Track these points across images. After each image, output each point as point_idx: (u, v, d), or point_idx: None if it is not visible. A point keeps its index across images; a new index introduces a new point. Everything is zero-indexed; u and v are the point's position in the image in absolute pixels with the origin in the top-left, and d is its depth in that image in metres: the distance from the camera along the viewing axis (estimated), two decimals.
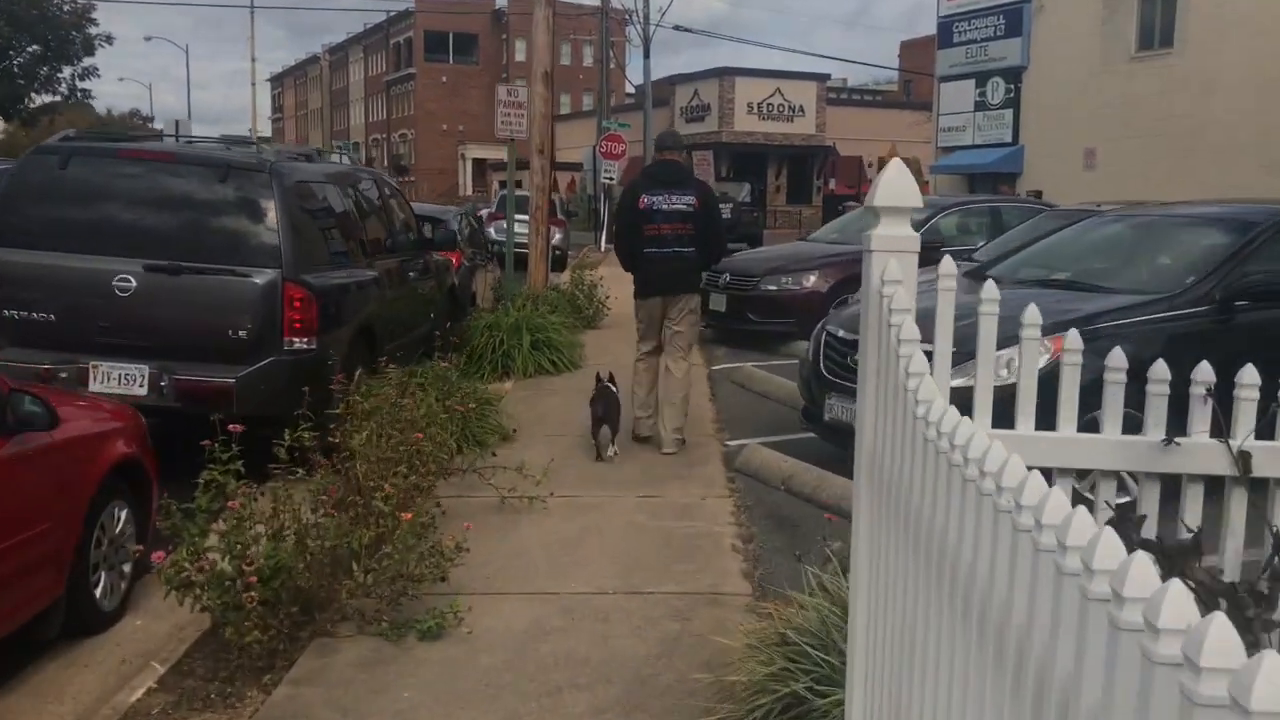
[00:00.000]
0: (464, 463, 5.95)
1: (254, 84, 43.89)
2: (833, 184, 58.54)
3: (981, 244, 11.37)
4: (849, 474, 6.06)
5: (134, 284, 6.34)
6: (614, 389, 7.09)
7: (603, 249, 31.71)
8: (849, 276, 11.17)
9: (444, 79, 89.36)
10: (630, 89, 72.69)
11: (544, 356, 10.09)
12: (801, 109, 57.54)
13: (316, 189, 7.34)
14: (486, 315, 10.45)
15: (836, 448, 6.59)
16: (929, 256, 9.95)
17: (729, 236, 31.39)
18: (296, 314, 6.44)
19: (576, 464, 6.81)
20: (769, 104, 56.67)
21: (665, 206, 6.85)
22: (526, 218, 23.73)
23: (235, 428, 4.30)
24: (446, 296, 10.52)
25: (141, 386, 6.33)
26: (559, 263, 25.27)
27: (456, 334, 10.59)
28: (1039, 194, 34.37)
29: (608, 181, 31.64)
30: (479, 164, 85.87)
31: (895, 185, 2.64)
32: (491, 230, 25.67)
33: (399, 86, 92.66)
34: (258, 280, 6.41)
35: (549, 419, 8.22)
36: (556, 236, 25.08)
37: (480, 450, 6.70)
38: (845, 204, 58.15)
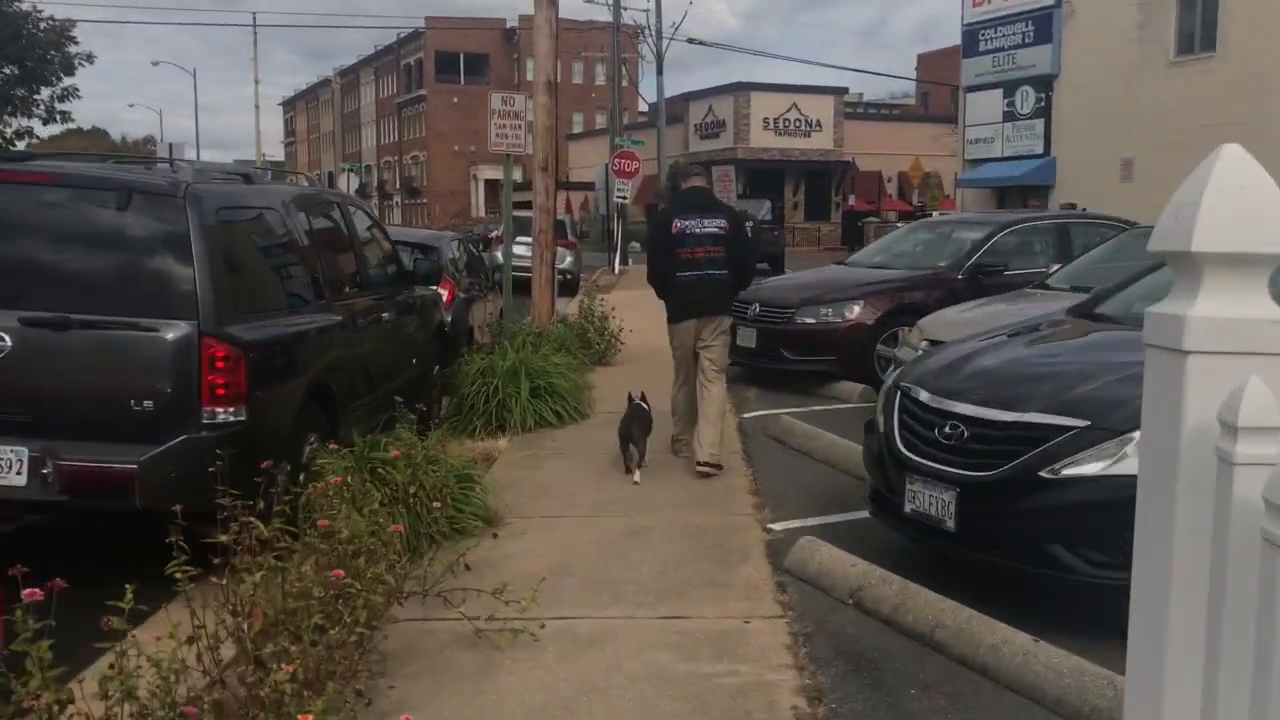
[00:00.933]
0: (425, 580, 4.48)
1: (258, 105, 42.90)
2: (852, 200, 57.10)
3: (1053, 268, 9.89)
4: (937, 582, 4.65)
5: (8, 343, 4.93)
6: (646, 407, 7.19)
7: (616, 271, 30.31)
8: (898, 307, 9.71)
9: (455, 99, 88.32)
10: (644, 107, 71.66)
11: (546, 406, 8.64)
12: (819, 124, 56.21)
13: (253, 217, 5.91)
14: (478, 360, 9.00)
15: (915, 543, 5.11)
16: (987, 281, 8.06)
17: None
18: (219, 377, 5.01)
19: (581, 562, 5.35)
20: (785, 119, 55.39)
21: (697, 230, 7.01)
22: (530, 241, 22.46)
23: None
24: (434, 337, 9.10)
25: (19, 475, 4.90)
26: (569, 287, 23.90)
27: (445, 380, 9.17)
28: (1073, 206, 32.85)
29: (621, 200, 30.26)
30: (491, 185, 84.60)
31: (1244, 207, 1.17)
32: (499, 254, 24.33)
33: (410, 108, 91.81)
34: (167, 335, 4.98)
35: (549, 492, 6.75)
36: (567, 260, 23.73)
37: (458, 541, 5.25)
38: (865, 220, 56.93)
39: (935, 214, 47.49)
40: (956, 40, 37.71)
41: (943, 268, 10.11)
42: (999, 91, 33.83)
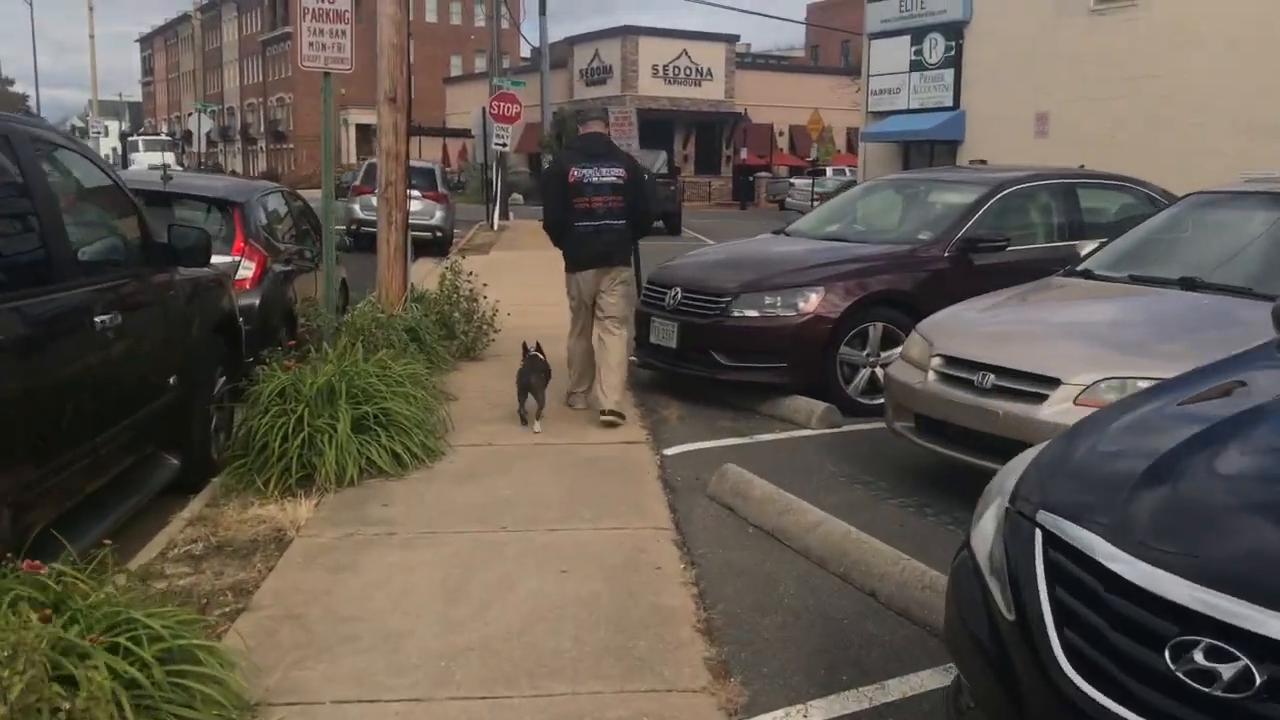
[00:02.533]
0: None
1: (92, 35, 37.90)
2: (744, 154, 54.83)
3: (1063, 242, 7.48)
4: None
5: None
6: (542, 357, 6.98)
7: (495, 226, 27.28)
8: (868, 296, 7.17)
9: None
10: (527, 52, 68.00)
11: (377, 443, 5.86)
12: (709, 72, 53.62)
13: None
14: (279, 372, 6.14)
15: None
16: (982, 260, 5.01)
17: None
18: None
19: None
20: (675, 66, 52.63)
21: (595, 179, 6.84)
22: (413, 194, 19.54)
23: None
24: (212, 336, 6.21)
25: None
26: (440, 246, 20.87)
27: (240, 398, 6.29)
28: (983, 163, 31.03)
29: (500, 148, 27.17)
30: (364, 130, 79.75)
31: None
32: (357, 207, 21.10)
33: (275, 46, 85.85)
34: None
35: (359, 639, 3.98)
36: (436, 215, 20.73)
37: None
38: (756, 175, 54.78)
39: (829, 171, 45.66)
40: None
41: (924, 242, 7.58)
42: (906, 39, 31.64)
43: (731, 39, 54.14)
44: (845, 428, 6.86)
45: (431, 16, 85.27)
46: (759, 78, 57.23)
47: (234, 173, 48.73)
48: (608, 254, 6.93)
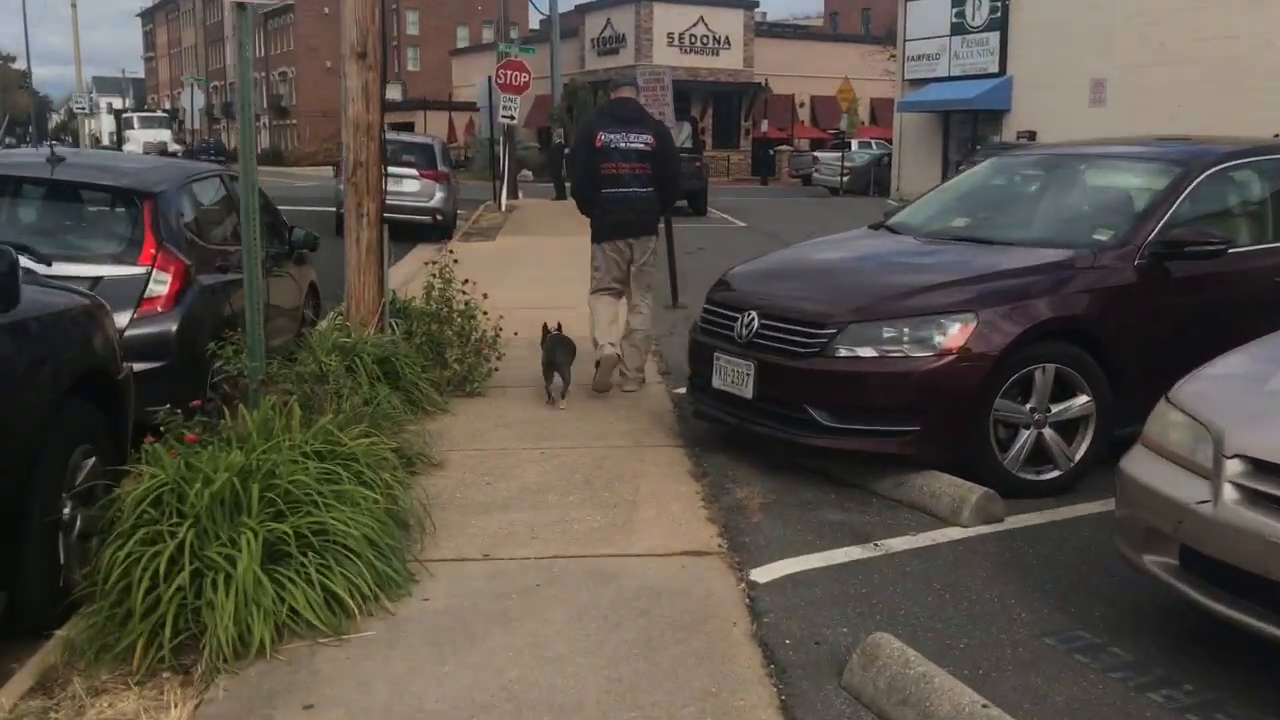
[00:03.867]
0: None
1: (74, 5, 35.60)
2: (765, 126, 52.36)
3: None
4: None
5: None
6: (566, 335, 6.81)
7: (503, 206, 25.05)
8: (1040, 325, 4.94)
9: (326, 9, 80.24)
10: (537, 24, 65.51)
11: (303, 580, 3.70)
12: (727, 41, 51.11)
13: None
14: (162, 460, 3.97)
15: None
16: (1183, 271, 4.96)
17: None
18: None
19: None
20: (691, 35, 50.16)
21: (623, 145, 6.68)
22: (410, 173, 17.29)
23: None
24: (54, 408, 4.03)
25: None
26: (442, 231, 18.69)
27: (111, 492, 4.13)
28: (1032, 135, 28.65)
29: (507, 121, 24.92)
30: None
31: None
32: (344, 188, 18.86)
33: (277, 19, 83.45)
34: None
35: None
36: (436, 197, 18.52)
37: None
38: (777, 148, 52.33)
39: (854, 144, 43.15)
40: None
41: (1101, 245, 5.34)
42: (946, 0, 29.22)
43: (750, 5, 51.61)
44: (1010, 523, 4.67)
45: None
46: (779, 46, 54.72)
47: (209, 152, 45.52)
48: (635, 222, 6.78)
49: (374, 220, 7.02)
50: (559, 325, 6.90)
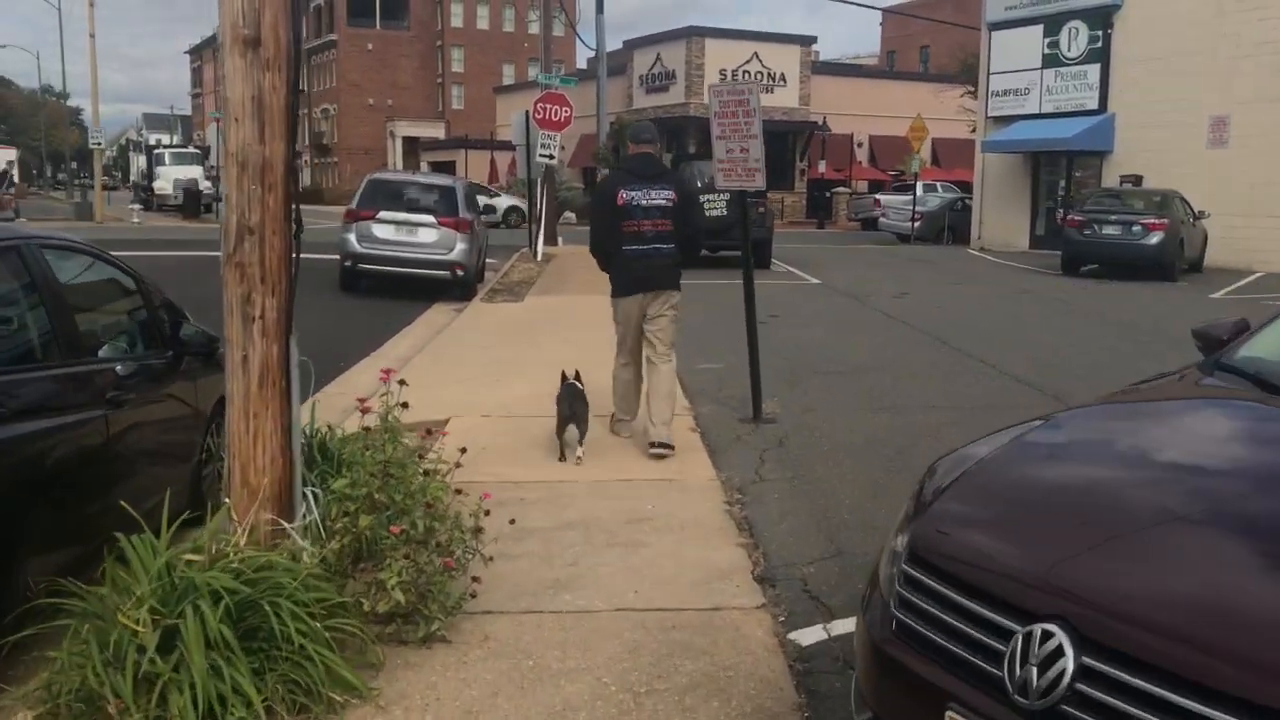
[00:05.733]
0: None
1: (92, 35, 33.56)
2: (822, 166, 49.48)
3: None
4: None
5: None
6: (580, 386, 6.69)
7: (539, 255, 22.22)
8: None
9: (370, 46, 78.94)
10: (583, 63, 63.49)
11: None
12: (783, 78, 48.36)
13: None
14: None
15: None
16: None
17: (723, 242, 19.06)
18: None
19: None
20: (745, 71, 47.45)
21: (644, 202, 6.63)
22: (426, 220, 14.84)
23: None
24: None
25: None
26: (463, 288, 15.87)
27: None
28: (1138, 179, 25.50)
29: (545, 160, 22.17)
30: (410, 142, 75.78)
31: None
32: (353, 237, 16.10)
33: (320, 55, 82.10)
34: None
35: None
36: (457, 248, 15.72)
37: None
38: (834, 190, 49.36)
39: (918, 187, 40.01)
40: None
41: None
42: (1038, 29, 26.14)
43: (808, 41, 48.90)
44: None
45: (483, 23, 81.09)
46: (836, 84, 51.94)
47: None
48: (657, 278, 6.67)
49: (274, 329, 4.08)
50: (576, 374, 6.75)
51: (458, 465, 4.55)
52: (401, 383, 4.60)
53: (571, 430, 6.43)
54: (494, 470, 6.19)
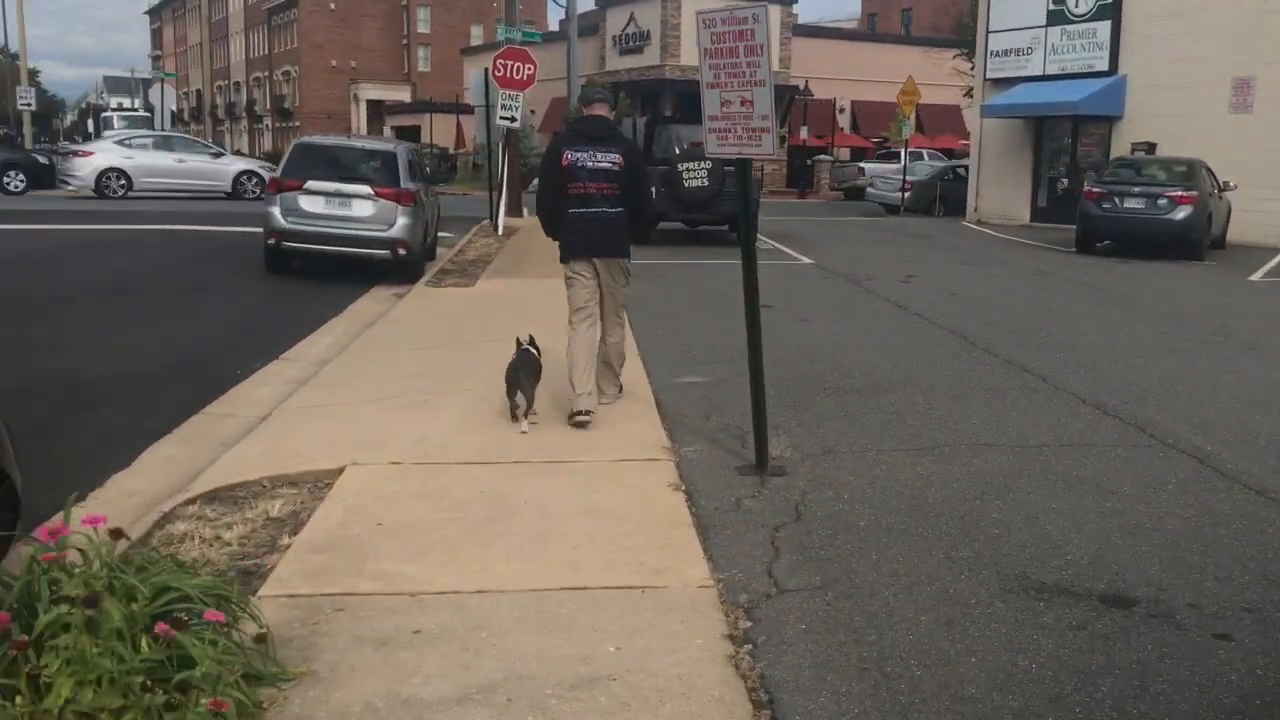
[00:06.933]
0: None
1: None
2: (804, 133, 47.38)
3: None
4: None
5: None
6: (536, 351, 6.72)
7: (500, 228, 20.15)
8: None
9: (332, 6, 75.78)
10: (554, 26, 60.85)
11: None
12: None
13: None
14: None
15: None
16: None
17: (704, 216, 17.83)
18: None
19: None
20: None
21: (590, 164, 6.51)
22: (361, 191, 12.92)
23: None
24: None
25: None
26: (408, 268, 13.82)
27: None
28: (1151, 147, 23.62)
29: (505, 123, 20.05)
30: (375, 106, 72.95)
31: None
32: (277, 211, 13.95)
33: (280, 15, 79.00)
34: None
35: None
36: (398, 223, 13.65)
37: None
38: (815, 158, 47.32)
39: (901, 153, 37.96)
40: None
41: None
42: None
43: (788, 1, 46.58)
44: None
45: None
46: (816, 46, 49.86)
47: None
48: (603, 241, 6.58)
49: None
50: (530, 339, 6.78)
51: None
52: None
53: (519, 397, 6.38)
54: (382, 567, 4.22)
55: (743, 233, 5.68)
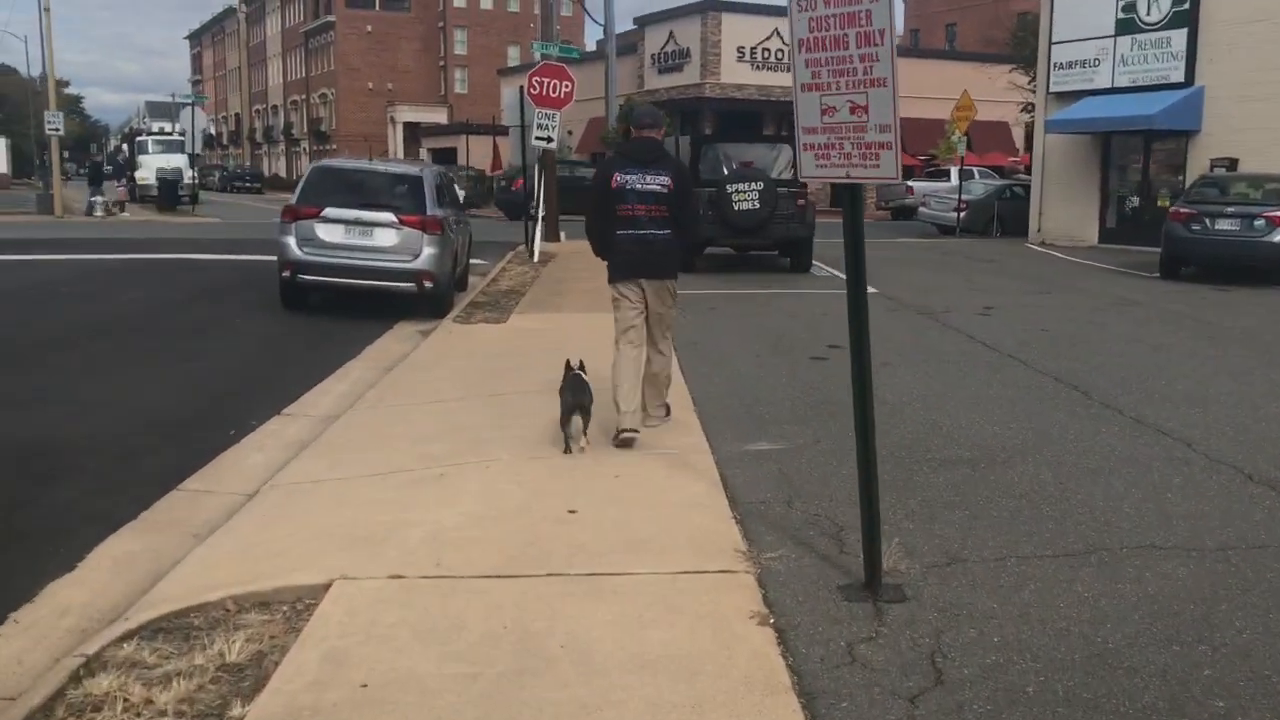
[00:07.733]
0: None
1: (46, 9, 30.25)
2: None
3: None
4: None
5: None
6: (585, 376, 6.50)
7: (536, 255, 18.96)
8: None
9: (369, 28, 75.47)
10: (591, 45, 60.00)
11: None
12: None
13: None
14: None
15: None
16: None
17: (755, 241, 16.80)
18: None
19: None
20: (765, 49, 43.98)
21: (639, 186, 6.50)
22: (384, 218, 11.86)
23: None
24: None
25: None
26: (434, 303, 12.63)
27: None
28: (1233, 164, 22.07)
29: (541, 144, 18.89)
30: (411, 128, 72.27)
31: None
32: (293, 241, 12.82)
33: (318, 38, 78.78)
34: None
35: None
36: (424, 253, 12.45)
37: None
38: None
39: (952, 172, 36.45)
40: None
41: None
42: None
43: None
44: None
45: (486, 3, 77.59)
46: None
47: (246, 179, 39.59)
48: (651, 263, 6.55)
49: None
50: (580, 363, 6.58)
51: None
52: None
53: (577, 421, 6.27)
54: None
55: (850, 277, 4.37)
